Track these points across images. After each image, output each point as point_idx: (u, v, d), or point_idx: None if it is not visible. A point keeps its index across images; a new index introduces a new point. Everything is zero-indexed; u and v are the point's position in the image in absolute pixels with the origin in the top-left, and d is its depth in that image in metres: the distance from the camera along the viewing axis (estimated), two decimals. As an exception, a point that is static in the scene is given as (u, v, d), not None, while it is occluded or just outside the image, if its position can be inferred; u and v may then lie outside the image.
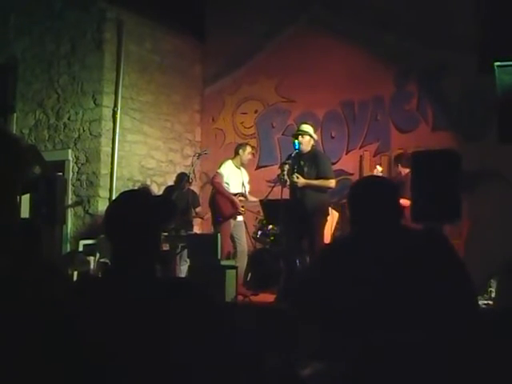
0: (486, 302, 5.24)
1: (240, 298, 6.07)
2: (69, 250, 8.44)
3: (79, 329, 1.62)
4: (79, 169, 8.68)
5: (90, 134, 8.61)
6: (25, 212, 6.03)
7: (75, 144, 8.73)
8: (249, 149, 7.62)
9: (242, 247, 7.37)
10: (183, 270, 7.32)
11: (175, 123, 9.64)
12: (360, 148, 8.56)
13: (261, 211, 7.43)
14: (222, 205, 7.25)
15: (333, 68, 8.64)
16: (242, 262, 7.02)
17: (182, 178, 7.71)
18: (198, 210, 8.02)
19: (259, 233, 7.41)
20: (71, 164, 8.72)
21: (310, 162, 6.25)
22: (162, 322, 1.82)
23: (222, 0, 9.80)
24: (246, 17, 9.42)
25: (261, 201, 7.27)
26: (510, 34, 5.27)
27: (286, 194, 6.27)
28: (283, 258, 6.45)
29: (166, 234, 6.99)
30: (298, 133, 6.41)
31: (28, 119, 9.19)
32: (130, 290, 1.89)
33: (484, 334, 2.26)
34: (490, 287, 5.51)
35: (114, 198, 8.04)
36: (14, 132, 8.89)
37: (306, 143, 6.32)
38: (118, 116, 8.63)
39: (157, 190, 8.93)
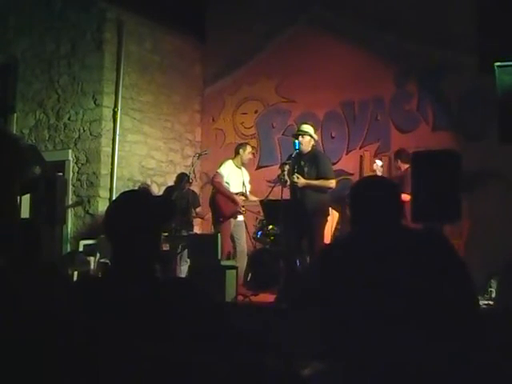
0: (486, 302, 5.23)
1: (240, 298, 6.07)
2: (69, 250, 8.45)
3: (79, 329, 1.62)
4: (79, 169, 8.68)
5: (91, 134, 8.61)
6: (25, 212, 6.03)
7: (75, 144, 8.74)
8: (249, 148, 7.62)
9: (242, 247, 7.37)
10: (183, 270, 7.32)
11: (175, 123, 9.64)
12: (360, 148, 8.56)
13: (261, 211, 7.43)
14: (222, 205, 7.25)
15: (333, 68, 8.64)
16: (242, 262, 7.02)
17: (182, 178, 7.71)
18: (198, 210, 8.01)
19: (259, 233, 7.41)
20: (71, 164, 8.72)
21: (311, 163, 6.25)
22: (162, 321, 1.82)
23: (222, 0, 9.80)
24: (247, 17, 9.42)
25: (261, 201, 7.27)
26: (510, 34, 5.27)
27: (287, 194, 6.27)
28: (283, 258, 6.44)
29: (166, 234, 6.99)
30: (299, 133, 6.41)
31: (28, 119, 9.19)
32: (130, 290, 1.89)
33: (484, 334, 2.26)
34: (491, 287, 5.51)
35: (114, 198, 8.03)
36: (14, 132, 8.89)
37: (307, 143, 6.31)
38: (119, 116, 8.63)
39: (157, 190, 8.93)
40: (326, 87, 8.63)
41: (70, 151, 8.75)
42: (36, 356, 1.15)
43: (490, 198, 7.08)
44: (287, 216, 6.16)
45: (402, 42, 8.15)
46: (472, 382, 2.13)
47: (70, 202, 8.48)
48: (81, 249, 8.10)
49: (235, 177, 7.43)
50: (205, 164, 9.29)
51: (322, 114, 8.81)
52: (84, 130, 8.67)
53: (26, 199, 5.95)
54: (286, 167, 6.29)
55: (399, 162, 7.01)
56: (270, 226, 7.23)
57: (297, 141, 6.30)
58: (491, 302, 5.24)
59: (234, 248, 7.37)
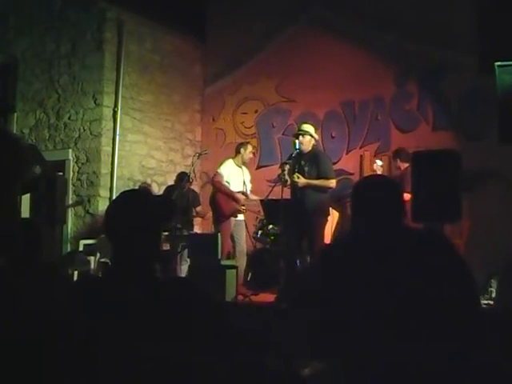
0: (486, 301, 5.23)
1: (240, 297, 6.07)
2: (69, 249, 8.45)
3: (79, 329, 1.62)
4: (79, 168, 8.68)
5: (91, 133, 8.62)
6: (25, 212, 6.03)
7: (75, 144, 8.74)
8: (250, 148, 7.63)
9: (241, 247, 7.37)
10: (183, 269, 7.32)
11: (175, 123, 9.64)
12: (360, 148, 8.56)
13: (261, 211, 7.43)
14: (222, 204, 7.26)
15: (333, 68, 8.64)
16: (241, 261, 7.02)
17: (183, 178, 7.71)
18: (198, 209, 8.01)
19: (259, 232, 7.41)
20: (71, 164, 8.72)
21: (311, 162, 6.25)
22: (162, 321, 1.82)
23: (222, 0, 9.80)
24: (247, 17, 9.42)
25: (261, 200, 7.27)
26: (510, 34, 5.27)
27: (287, 194, 6.27)
28: (283, 257, 6.44)
29: (166, 233, 7.00)
30: (299, 133, 6.41)
31: (28, 119, 9.19)
32: (130, 289, 1.89)
33: (485, 333, 2.26)
34: (491, 287, 5.50)
35: (114, 197, 8.03)
36: (15, 132, 8.89)
37: (307, 143, 6.32)
38: (119, 116, 8.63)
39: (157, 190, 8.93)
40: (326, 87, 8.63)
41: (70, 151, 8.75)
42: (36, 356, 1.15)
43: (490, 198, 7.08)
44: (287, 216, 6.17)
45: (402, 42, 8.15)
46: (472, 381, 2.13)
47: (70, 202, 8.48)
48: (81, 248, 8.10)
49: (235, 176, 7.43)
50: (205, 163, 9.29)
51: (322, 113, 8.81)
52: (84, 130, 8.67)
53: (26, 199, 5.94)
54: (287, 167, 6.30)
55: (398, 161, 7.02)
56: (270, 226, 7.24)
57: (297, 140, 6.30)
58: (491, 302, 5.24)
59: (234, 248, 7.37)
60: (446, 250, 2.33)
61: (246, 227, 7.53)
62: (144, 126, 9.11)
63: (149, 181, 9.07)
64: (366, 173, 8.01)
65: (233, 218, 7.30)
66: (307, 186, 6.15)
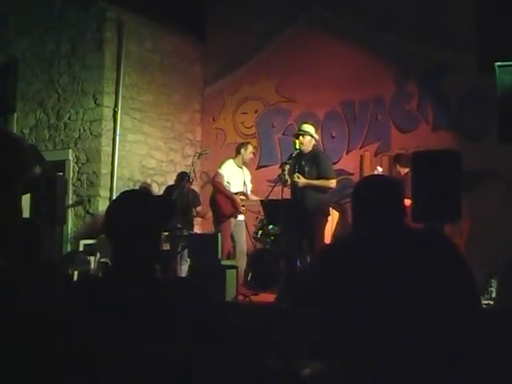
0: (486, 301, 5.23)
1: (240, 297, 6.07)
2: (69, 249, 8.45)
3: (79, 329, 1.62)
4: (80, 168, 8.68)
5: (91, 133, 8.62)
6: (25, 212, 6.02)
7: (76, 144, 8.74)
8: (250, 148, 7.63)
9: (241, 247, 7.37)
10: (184, 269, 7.32)
11: (176, 123, 9.65)
12: (360, 148, 8.56)
13: (261, 211, 7.43)
14: (222, 204, 7.25)
15: (333, 68, 8.64)
16: (241, 261, 7.02)
17: (183, 178, 7.71)
18: (198, 209, 8.01)
19: (259, 232, 7.42)
20: (72, 164, 8.73)
21: (311, 162, 6.25)
22: (162, 321, 1.82)
23: (222, 0, 9.80)
24: (247, 17, 9.42)
25: (261, 201, 7.27)
26: (510, 34, 5.27)
27: (287, 194, 6.27)
28: (283, 257, 6.45)
29: (166, 233, 7.00)
30: (299, 133, 6.41)
31: (28, 119, 9.19)
32: (130, 289, 1.89)
33: (486, 333, 2.26)
34: (491, 287, 5.51)
35: (114, 197, 8.04)
36: (15, 132, 8.89)
37: (307, 143, 6.32)
38: (119, 116, 8.63)
39: (157, 190, 8.93)
40: (326, 87, 8.63)
41: (71, 151, 8.75)
42: (36, 356, 1.15)
43: (490, 198, 7.08)
44: (287, 216, 6.17)
45: (402, 41, 8.15)
46: (472, 381, 2.13)
47: (71, 202, 8.48)
48: (81, 248, 8.10)
49: (236, 176, 7.44)
50: (205, 163, 9.29)
51: (323, 113, 8.82)
52: (84, 130, 8.67)
53: (26, 199, 5.94)
54: (287, 167, 6.30)
55: (398, 166, 7.02)
56: (270, 226, 7.24)
57: (297, 140, 6.30)
58: (491, 302, 5.25)
59: (234, 248, 7.37)
60: (446, 249, 2.33)
61: (246, 227, 7.53)
62: (144, 125, 9.11)
63: (149, 181, 9.07)
64: (366, 173, 8.01)
65: (233, 219, 7.30)
66: (307, 186, 6.15)
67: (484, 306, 4.90)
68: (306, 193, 6.16)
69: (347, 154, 8.64)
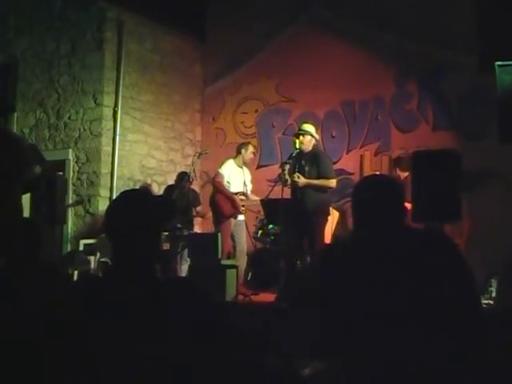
0: (486, 301, 5.23)
1: (240, 297, 6.07)
2: (69, 249, 8.45)
3: (79, 329, 1.62)
4: (80, 168, 8.68)
5: (91, 133, 8.62)
6: (25, 212, 6.02)
7: (76, 143, 8.74)
8: (251, 148, 7.63)
9: (242, 247, 7.38)
10: (184, 269, 7.32)
11: (176, 123, 9.65)
12: (360, 148, 8.56)
13: (261, 211, 7.43)
14: (222, 204, 7.26)
15: (333, 68, 8.64)
16: (241, 261, 7.03)
17: (183, 178, 7.71)
18: (198, 209, 8.01)
19: (259, 232, 7.41)
20: (72, 163, 8.72)
21: (311, 162, 6.25)
22: (162, 321, 1.82)
23: (222, 0, 9.80)
24: (247, 17, 9.42)
25: (261, 200, 7.27)
26: (510, 34, 5.27)
27: (287, 194, 6.27)
28: (284, 257, 6.45)
29: (166, 233, 6.99)
30: (300, 132, 6.41)
31: (28, 119, 9.19)
32: (130, 289, 1.89)
33: (486, 333, 2.26)
34: (491, 287, 5.51)
35: (114, 197, 8.04)
36: (15, 132, 8.89)
37: (307, 143, 6.32)
38: (119, 115, 8.63)
39: (157, 190, 8.94)
40: (326, 87, 8.63)
41: (71, 150, 8.75)
42: (36, 356, 1.15)
43: (490, 198, 7.08)
44: (287, 215, 6.17)
45: (402, 41, 8.15)
46: (472, 381, 2.13)
47: (71, 202, 8.48)
48: (81, 248, 8.10)
49: (236, 176, 7.44)
50: (205, 163, 9.29)
51: (323, 113, 8.81)
52: (84, 130, 8.67)
53: (26, 199, 5.94)
54: (287, 166, 6.30)
55: (398, 170, 7.00)
56: (271, 226, 7.24)
57: (298, 140, 6.30)
58: (491, 302, 5.25)
59: (234, 247, 7.37)
60: (446, 250, 2.32)
61: (247, 227, 7.54)
62: (144, 125, 9.11)
63: (149, 180, 9.07)
64: (366, 173, 8.01)
65: (233, 219, 7.31)
66: (307, 186, 6.15)
67: (484, 306, 4.90)
68: (306, 192, 6.16)
69: (347, 153, 8.64)
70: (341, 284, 2.31)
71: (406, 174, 6.46)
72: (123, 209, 2.03)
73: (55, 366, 1.18)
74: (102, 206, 8.23)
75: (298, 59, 8.90)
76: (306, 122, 6.69)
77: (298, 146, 6.28)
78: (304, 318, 2.44)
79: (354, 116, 8.67)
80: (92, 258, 7.70)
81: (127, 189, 3.47)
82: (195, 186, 8.62)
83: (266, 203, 7.13)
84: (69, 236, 8.58)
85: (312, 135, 6.38)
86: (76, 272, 7.30)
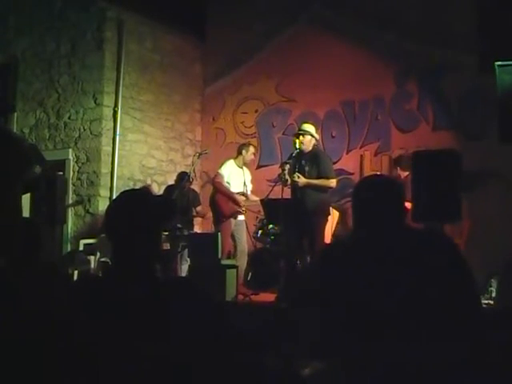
0: (486, 301, 5.23)
1: (240, 297, 6.07)
2: (69, 249, 8.45)
3: (79, 329, 1.62)
4: (80, 168, 8.68)
5: (91, 133, 8.62)
6: (25, 212, 6.02)
7: (76, 143, 8.74)
8: (252, 149, 7.63)
9: (242, 247, 7.38)
10: (184, 269, 7.32)
11: (176, 122, 9.65)
12: (360, 148, 8.56)
13: (261, 211, 7.43)
14: (222, 204, 7.26)
15: (333, 67, 8.64)
16: (242, 261, 7.03)
17: (183, 178, 7.71)
18: (198, 209, 8.01)
19: (259, 232, 7.41)
20: (72, 163, 8.73)
21: (311, 162, 6.25)
22: (162, 321, 1.82)
23: (222, -1, 9.81)
24: (247, 16, 9.42)
25: (261, 200, 7.26)
26: (510, 34, 5.27)
27: (287, 194, 6.27)
28: (284, 257, 6.44)
29: (166, 233, 6.99)
30: (300, 132, 6.41)
31: (28, 118, 9.19)
32: (130, 289, 1.89)
33: (486, 333, 2.27)
34: (491, 287, 5.51)
35: (114, 197, 8.03)
36: (15, 131, 8.89)
37: (308, 143, 6.32)
38: (119, 115, 8.64)
39: (157, 190, 8.94)
40: (326, 86, 8.63)
41: (71, 150, 8.76)
42: (36, 356, 1.15)
43: (490, 198, 7.08)
44: (287, 215, 6.16)
45: (402, 41, 8.15)
46: (472, 381, 2.13)
47: (71, 202, 8.48)
48: (81, 248, 8.10)
49: (236, 177, 7.44)
50: (205, 163, 9.29)
51: (323, 113, 8.81)
52: (84, 129, 8.68)
53: (26, 198, 5.94)
54: (287, 166, 6.30)
55: (398, 169, 6.99)
56: (271, 226, 7.23)
57: (298, 140, 6.30)
58: (491, 302, 5.25)
59: (235, 247, 7.37)
60: (446, 250, 2.33)
61: (247, 227, 7.54)
62: (144, 125, 9.11)
63: (149, 180, 9.08)
64: (366, 173, 8.01)
65: (233, 219, 7.31)
66: (307, 186, 6.15)
67: (484, 306, 4.90)
68: (306, 192, 6.16)
69: (347, 153, 8.64)
70: (341, 284, 2.31)
71: (407, 173, 6.46)
72: (123, 209, 2.03)
73: (55, 366, 1.18)
74: (102, 206, 8.23)
75: (298, 59, 8.90)
76: (306, 122, 6.69)
77: (298, 146, 6.28)
78: (304, 318, 2.44)
79: (354, 116, 8.67)
80: (92, 258, 7.70)
81: (127, 189, 3.47)
82: (195, 186, 8.62)
83: (266, 203, 7.12)
84: (69, 236, 8.59)
85: (312, 135, 6.38)
86: (76, 272, 7.30)
